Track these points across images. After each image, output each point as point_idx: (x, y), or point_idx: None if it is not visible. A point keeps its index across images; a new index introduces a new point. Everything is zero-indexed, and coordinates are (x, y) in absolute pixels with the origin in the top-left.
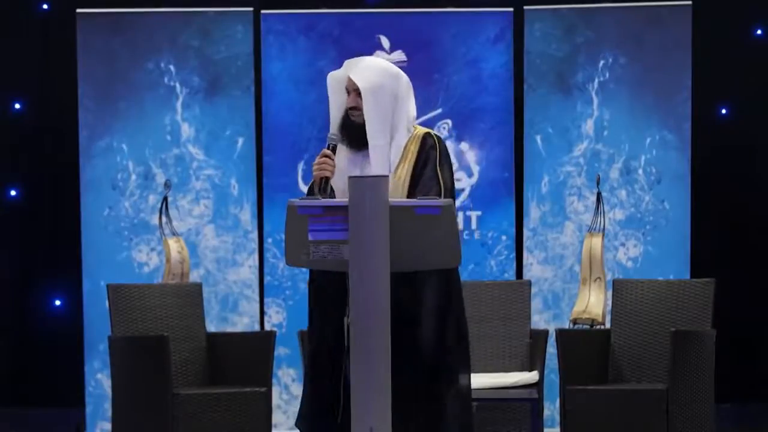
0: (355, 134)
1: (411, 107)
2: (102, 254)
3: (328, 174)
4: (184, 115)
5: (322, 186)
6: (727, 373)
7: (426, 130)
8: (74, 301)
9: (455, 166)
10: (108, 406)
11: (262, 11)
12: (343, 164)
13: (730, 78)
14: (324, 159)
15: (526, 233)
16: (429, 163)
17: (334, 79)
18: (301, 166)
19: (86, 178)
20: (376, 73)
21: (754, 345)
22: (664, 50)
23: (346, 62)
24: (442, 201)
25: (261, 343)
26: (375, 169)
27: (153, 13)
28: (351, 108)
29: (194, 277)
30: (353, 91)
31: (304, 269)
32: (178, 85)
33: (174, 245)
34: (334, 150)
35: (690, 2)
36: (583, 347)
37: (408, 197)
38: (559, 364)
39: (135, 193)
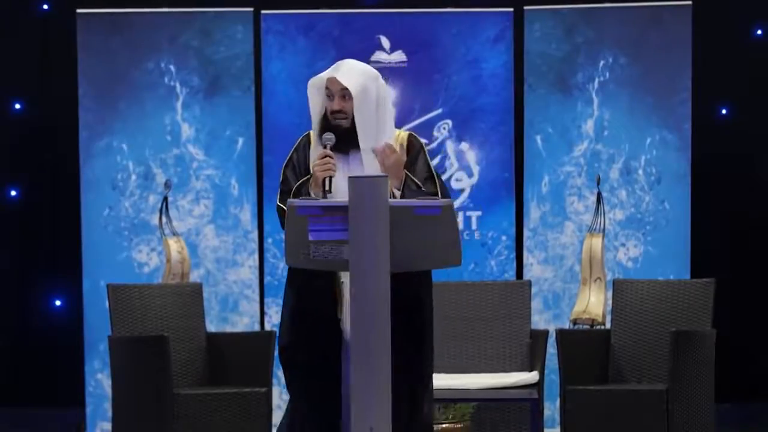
0: (339, 138)
1: (391, 108)
2: (102, 254)
3: (332, 173)
4: (184, 115)
5: (329, 186)
6: (727, 373)
7: (406, 131)
8: (74, 300)
9: (455, 166)
10: (108, 406)
11: (262, 11)
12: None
13: (730, 78)
14: (326, 158)
15: (526, 233)
16: (420, 163)
17: (313, 85)
18: None
19: (86, 178)
20: (360, 75)
21: (754, 345)
22: (664, 50)
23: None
24: (442, 201)
25: (261, 343)
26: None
27: (153, 13)
28: (335, 111)
29: (194, 277)
30: (337, 94)
31: None
32: (178, 85)
33: (174, 245)
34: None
35: (690, 2)
36: (583, 347)
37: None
38: (559, 364)
39: (135, 193)
